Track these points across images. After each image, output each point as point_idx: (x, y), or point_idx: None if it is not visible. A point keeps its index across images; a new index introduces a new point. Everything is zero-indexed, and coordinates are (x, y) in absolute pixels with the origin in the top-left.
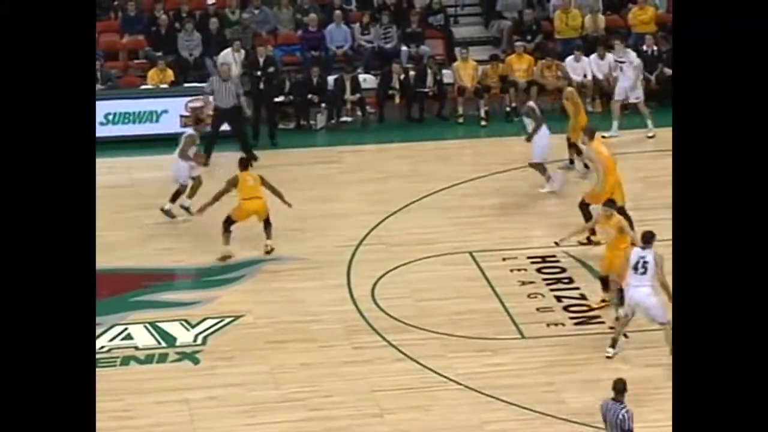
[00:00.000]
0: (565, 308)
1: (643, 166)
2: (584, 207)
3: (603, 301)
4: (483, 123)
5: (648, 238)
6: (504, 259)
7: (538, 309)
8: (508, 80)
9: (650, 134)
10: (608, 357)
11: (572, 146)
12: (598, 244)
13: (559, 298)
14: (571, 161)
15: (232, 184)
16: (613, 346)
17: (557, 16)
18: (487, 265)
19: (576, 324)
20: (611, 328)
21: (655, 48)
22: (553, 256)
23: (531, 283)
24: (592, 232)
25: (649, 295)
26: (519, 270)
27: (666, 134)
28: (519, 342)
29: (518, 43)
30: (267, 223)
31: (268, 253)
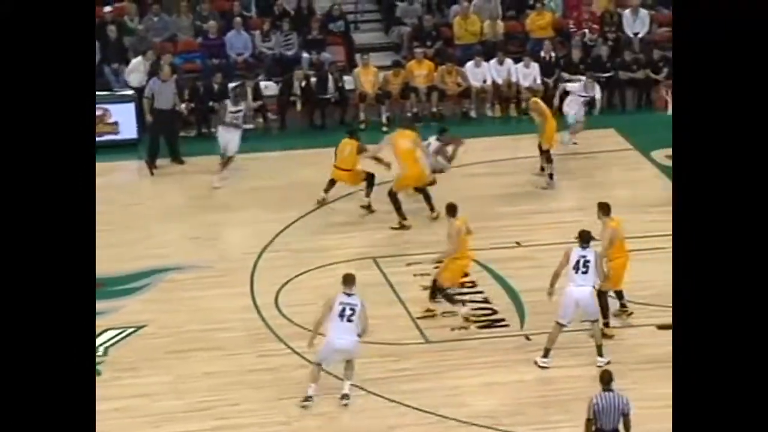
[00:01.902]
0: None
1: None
2: (393, 195)
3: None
4: (385, 129)
5: (587, 238)
6: (408, 264)
7: (442, 313)
8: (409, 86)
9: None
10: (543, 367)
11: (543, 153)
12: (409, 228)
13: (463, 303)
14: (542, 168)
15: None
16: (545, 356)
17: (456, 22)
18: (391, 271)
19: (479, 327)
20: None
21: (552, 54)
22: None
23: None
24: (404, 217)
25: (591, 294)
26: (422, 275)
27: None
28: (423, 346)
29: (418, 49)
30: (369, 183)
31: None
